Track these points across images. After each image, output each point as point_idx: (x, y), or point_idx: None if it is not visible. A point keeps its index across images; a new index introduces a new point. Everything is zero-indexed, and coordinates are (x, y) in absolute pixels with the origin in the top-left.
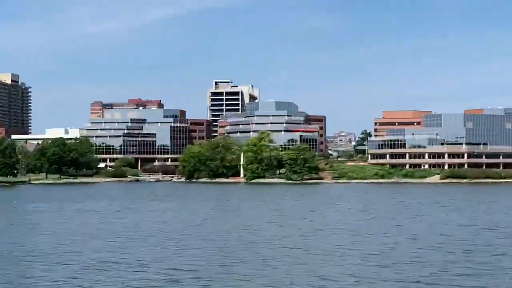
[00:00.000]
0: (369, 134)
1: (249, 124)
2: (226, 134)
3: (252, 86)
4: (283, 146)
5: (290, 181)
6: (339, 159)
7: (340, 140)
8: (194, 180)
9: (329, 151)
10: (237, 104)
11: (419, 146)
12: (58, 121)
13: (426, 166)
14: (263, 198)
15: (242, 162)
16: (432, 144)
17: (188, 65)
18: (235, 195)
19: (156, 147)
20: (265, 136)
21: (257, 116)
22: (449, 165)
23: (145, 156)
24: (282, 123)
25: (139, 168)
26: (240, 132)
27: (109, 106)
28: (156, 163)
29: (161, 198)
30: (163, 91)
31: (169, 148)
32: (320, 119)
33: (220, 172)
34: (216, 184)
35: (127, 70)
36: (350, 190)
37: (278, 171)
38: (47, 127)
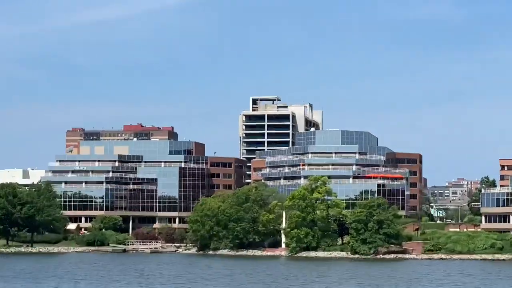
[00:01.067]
0: (492, 183)
1: (298, 165)
2: (263, 180)
3: (310, 106)
4: (351, 201)
5: (356, 256)
6: (445, 221)
7: (454, 194)
8: (210, 252)
9: (431, 209)
10: (287, 134)
11: None
12: (17, 158)
13: None
14: None
15: (284, 225)
16: None
17: (212, 77)
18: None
19: (157, 200)
20: (320, 185)
21: (311, 153)
22: None
23: (140, 213)
24: (351, 164)
25: (129, 231)
26: (285, 178)
27: (94, 135)
28: (156, 224)
29: None
30: (177, 115)
31: (177, 201)
32: (413, 159)
33: (250, 241)
34: (243, 258)
35: (126, 83)
36: (450, 272)
37: (340, 240)
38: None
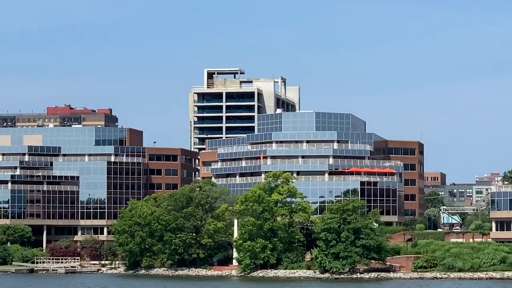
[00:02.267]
0: None
1: (258, 158)
2: (212, 177)
3: (283, 81)
4: (326, 205)
5: (326, 275)
6: (446, 230)
7: (479, 194)
8: (142, 271)
9: (442, 214)
10: (251, 118)
11: None
12: None
13: None
14: None
15: (235, 236)
16: None
17: (160, 46)
18: None
19: (79, 205)
20: (281, 183)
21: (276, 142)
22: None
23: (56, 222)
24: (327, 156)
25: (43, 246)
26: (242, 174)
27: (9, 121)
28: (79, 236)
29: None
30: (116, 94)
31: (105, 206)
32: (410, 149)
33: (194, 256)
34: (182, 279)
35: (50, 54)
36: None
37: (309, 255)
38: None
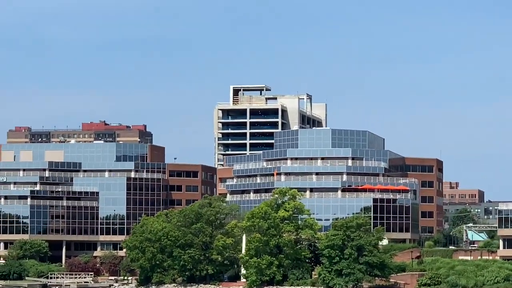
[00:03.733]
0: None
1: (272, 175)
2: (228, 193)
3: (308, 97)
4: (338, 224)
5: None
6: (471, 247)
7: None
8: (153, 287)
9: (467, 232)
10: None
11: None
12: None
13: None
14: None
15: (242, 253)
16: None
17: (189, 62)
18: None
19: (98, 221)
20: (288, 200)
21: (290, 159)
22: None
23: (76, 237)
24: (341, 173)
25: (63, 261)
26: (256, 190)
27: (44, 136)
28: (98, 251)
29: None
30: (149, 110)
31: (124, 221)
32: (428, 166)
33: (204, 273)
34: None
35: (83, 69)
36: None
37: (316, 271)
38: None
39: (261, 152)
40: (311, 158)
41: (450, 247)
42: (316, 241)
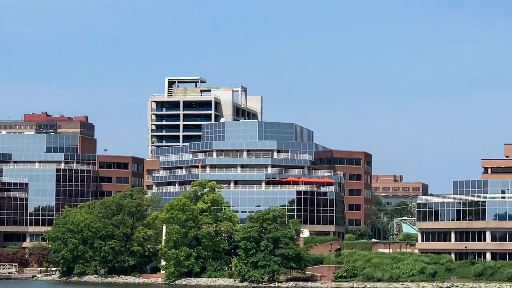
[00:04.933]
0: None
1: (196, 167)
2: (154, 185)
3: (243, 90)
4: (254, 216)
5: (245, 284)
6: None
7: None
8: (75, 278)
9: (403, 225)
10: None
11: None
12: None
13: None
14: None
15: (161, 245)
16: None
17: (127, 54)
18: None
19: (27, 211)
20: (207, 192)
21: (216, 151)
22: None
23: (5, 228)
24: (266, 165)
25: None
26: (181, 182)
27: None
28: (27, 242)
29: None
30: (91, 102)
31: (53, 213)
32: (356, 159)
33: (124, 264)
34: (108, 286)
35: (26, 61)
36: None
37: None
38: None
39: (187, 144)
40: (237, 150)
41: (373, 240)
42: (236, 233)
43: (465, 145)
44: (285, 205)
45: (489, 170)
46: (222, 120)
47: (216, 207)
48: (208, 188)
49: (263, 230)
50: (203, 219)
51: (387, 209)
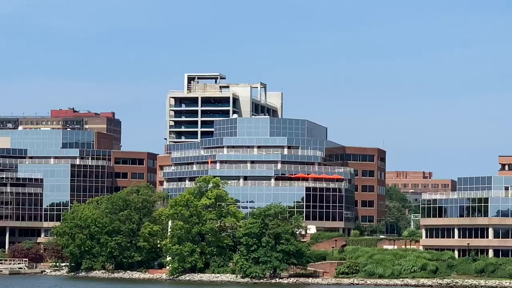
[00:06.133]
0: None
1: (207, 163)
2: (165, 181)
3: (263, 86)
4: (256, 212)
5: (246, 280)
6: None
7: None
8: (83, 273)
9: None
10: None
11: None
12: None
13: None
14: None
15: (166, 240)
16: None
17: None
18: None
19: (42, 207)
20: (211, 188)
21: (227, 147)
22: None
23: (20, 224)
24: (276, 161)
25: (6, 247)
26: (192, 178)
27: (11, 123)
28: (42, 238)
29: None
30: (116, 98)
31: (68, 208)
32: (369, 155)
33: (132, 260)
34: (113, 282)
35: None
36: None
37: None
38: None
39: (198, 140)
40: (248, 147)
41: (381, 236)
42: (238, 229)
43: (489, 141)
44: (294, 202)
45: (507, 167)
46: (234, 116)
47: (220, 203)
48: (212, 184)
49: (265, 226)
50: (206, 215)
51: (411, 205)
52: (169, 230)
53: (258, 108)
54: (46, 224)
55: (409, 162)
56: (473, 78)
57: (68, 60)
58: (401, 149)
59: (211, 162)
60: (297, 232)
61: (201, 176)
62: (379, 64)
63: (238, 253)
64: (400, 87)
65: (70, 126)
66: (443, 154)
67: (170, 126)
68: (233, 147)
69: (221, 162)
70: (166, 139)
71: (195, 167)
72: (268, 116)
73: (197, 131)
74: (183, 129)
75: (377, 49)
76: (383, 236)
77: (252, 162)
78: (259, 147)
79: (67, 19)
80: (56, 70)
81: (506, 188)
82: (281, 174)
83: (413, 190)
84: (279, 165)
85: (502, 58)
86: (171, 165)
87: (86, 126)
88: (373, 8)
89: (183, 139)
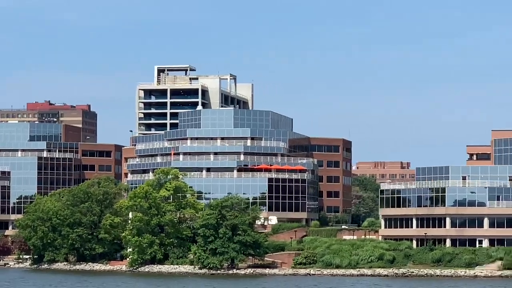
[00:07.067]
0: None
1: (169, 154)
2: (129, 173)
3: (233, 78)
4: (213, 203)
5: (204, 271)
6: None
7: None
8: (45, 265)
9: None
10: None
11: (473, 203)
12: None
13: (486, 243)
14: None
15: (126, 232)
16: (500, 199)
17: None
18: None
19: (9, 200)
20: (170, 179)
21: (190, 139)
22: None
23: None
24: (239, 153)
25: None
26: (154, 170)
27: None
28: (10, 230)
29: None
30: (95, 90)
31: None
32: (334, 146)
33: (93, 252)
34: (77, 273)
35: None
36: None
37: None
38: None
39: (163, 132)
40: (211, 138)
41: (343, 227)
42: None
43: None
44: (256, 192)
45: (474, 157)
46: (199, 108)
47: (179, 194)
48: (171, 176)
49: (222, 218)
50: (165, 207)
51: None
52: (129, 222)
53: (228, 100)
54: (13, 217)
55: (387, 152)
56: (446, 67)
57: (44, 53)
58: (379, 140)
59: (174, 154)
60: (259, 223)
61: (159, 168)
62: (351, 55)
63: (196, 244)
64: (373, 78)
65: (46, 119)
66: (420, 144)
67: (140, 118)
68: (196, 138)
69: (184, 154)
70: (131, 131)
71: (159, 159)
72: (232, 108)
73: (166, 123)
74: (152, 121)
75: (345, 41)
76: (345, 227)
77: (215, 153)
78: (222, 138)
79: (42, 12)
80: (33, 63)
81: (464, 178)
82: (244, 166)
83: (390, 181)
84: (242, 157)
85: (469, 49)
86: (135, 157)
87: (62, 119)
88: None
89: (153, 131)
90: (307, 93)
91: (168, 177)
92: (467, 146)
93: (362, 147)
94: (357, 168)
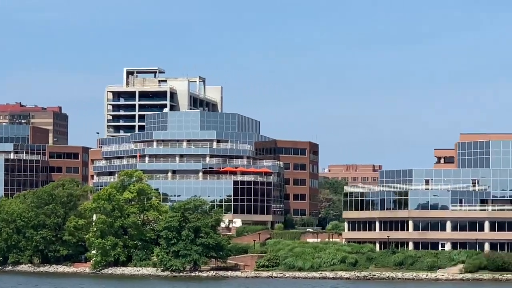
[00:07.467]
0: None
1: (135, 156)
2: (95, 175)
3: (202, 80)
4: (176, 205)
5: (166, 273)
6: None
7: None
8: (10, 267)
9: None
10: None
11: (436, 206)
12: None
13: (448, 246)
14: None
15: (89, 234)
16: (463, 202)
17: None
18: None
19: None
20: (134, 181)
21: (156, 141)
22: (492, 244)
23: None
24: (204, 155)
25: None
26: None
27: None
28: None
29: None
30: (66, 92)
31: None
32: (301, 149)
33: (58, 254)
34: (40, 275)
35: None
36: None
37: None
38: None
39: (129, 134)
40: (177, 141)
41: (308, 229)
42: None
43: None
44: (222, 195)
45: (442, 160)
46: (165, 110)
47: (143, 196)
48: (135, 178)
49: (185, 220)
50: (129, 209)
51: None
52: (93, 224)
53: (196, 102)
54: None
55: (360, 155)
56: (421, 70)
57: (16, 54)
58: (351, 142)
59: (140, 156)
60: (223, 226)
61: (123, 170)
62: (322, 57)
63: (159, 246)
64: (345, 80)
65: (17, 121)
66: (392, 147)
67: (108, 120)
68: (162, 141)
69: (150, 156)
70: (98, 133)
71: (125, 161)
72: (198, 110)
73: (134, 125)
74: (121, 123)
75: (316, 43)
76: (309, 230)
77: (181, 156)
78: (188, 141)
79: (13, 12)
80: (4, 64)
81: (427, 181)
82: (209, 168)
83: (362, 184)
84: (207, 159)
85: (441, 53)
86: (102, 159)
87: (33, 121)
88: (308, 1)
89: (121, 133)
90: (277, 95)
91: (132, 179)
92: (434, 149)
93: (334, 150)
94: (329, 171)
